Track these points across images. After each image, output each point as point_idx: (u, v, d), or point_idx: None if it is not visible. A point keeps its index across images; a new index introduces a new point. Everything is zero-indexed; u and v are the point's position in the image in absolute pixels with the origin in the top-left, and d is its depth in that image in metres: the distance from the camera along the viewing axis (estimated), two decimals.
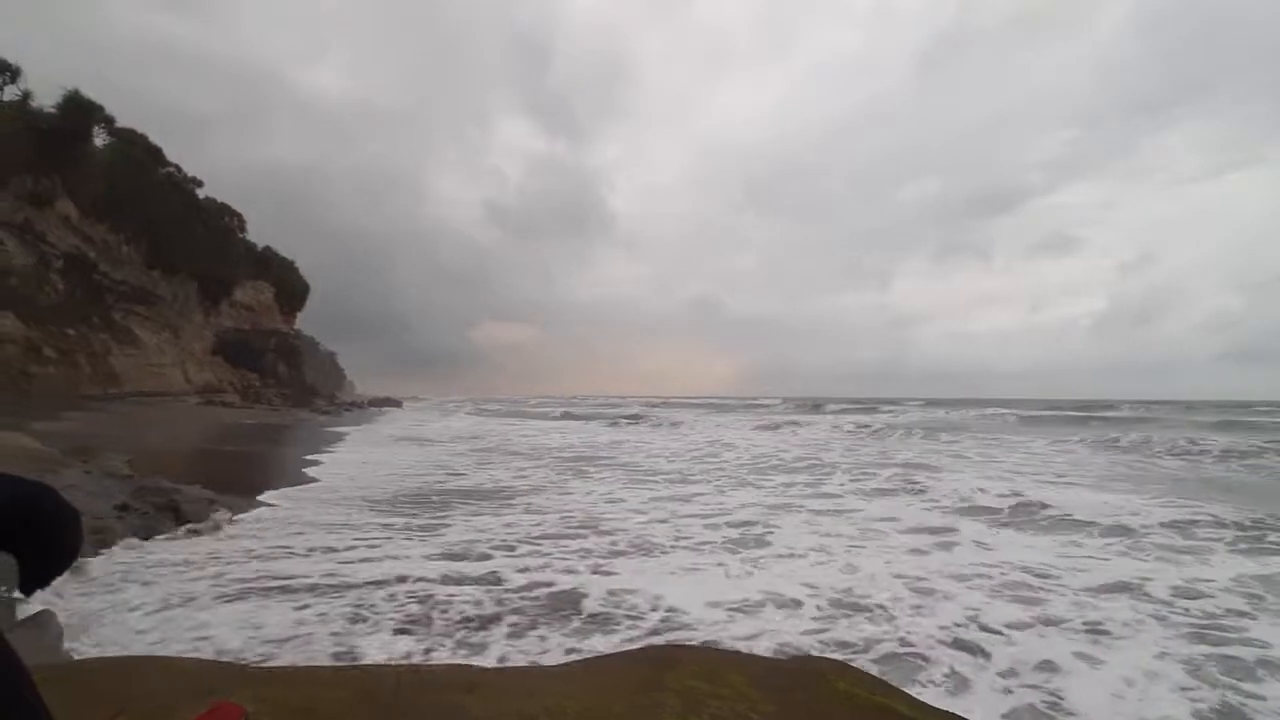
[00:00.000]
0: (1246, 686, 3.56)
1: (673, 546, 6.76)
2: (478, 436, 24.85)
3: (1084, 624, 4.47)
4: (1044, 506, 8.49)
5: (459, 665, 3.21)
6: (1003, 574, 5.69)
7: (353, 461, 14.94)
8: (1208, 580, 5.45)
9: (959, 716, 2.65)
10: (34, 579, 0.71)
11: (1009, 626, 4.40)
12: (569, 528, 7.62)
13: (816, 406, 51.32)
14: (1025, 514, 8.26)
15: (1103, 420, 28.81)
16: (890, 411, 40.73)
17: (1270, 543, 6.68)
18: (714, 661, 2.46)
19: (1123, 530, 7.25)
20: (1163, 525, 7.35)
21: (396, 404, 72.73)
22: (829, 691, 2.24)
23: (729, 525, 7.82)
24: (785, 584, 5.32)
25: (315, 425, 30.40)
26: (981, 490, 9.86)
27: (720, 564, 6.07)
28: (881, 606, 4.79)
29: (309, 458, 14.93)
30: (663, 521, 8.10)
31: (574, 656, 3.57)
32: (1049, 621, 4.53)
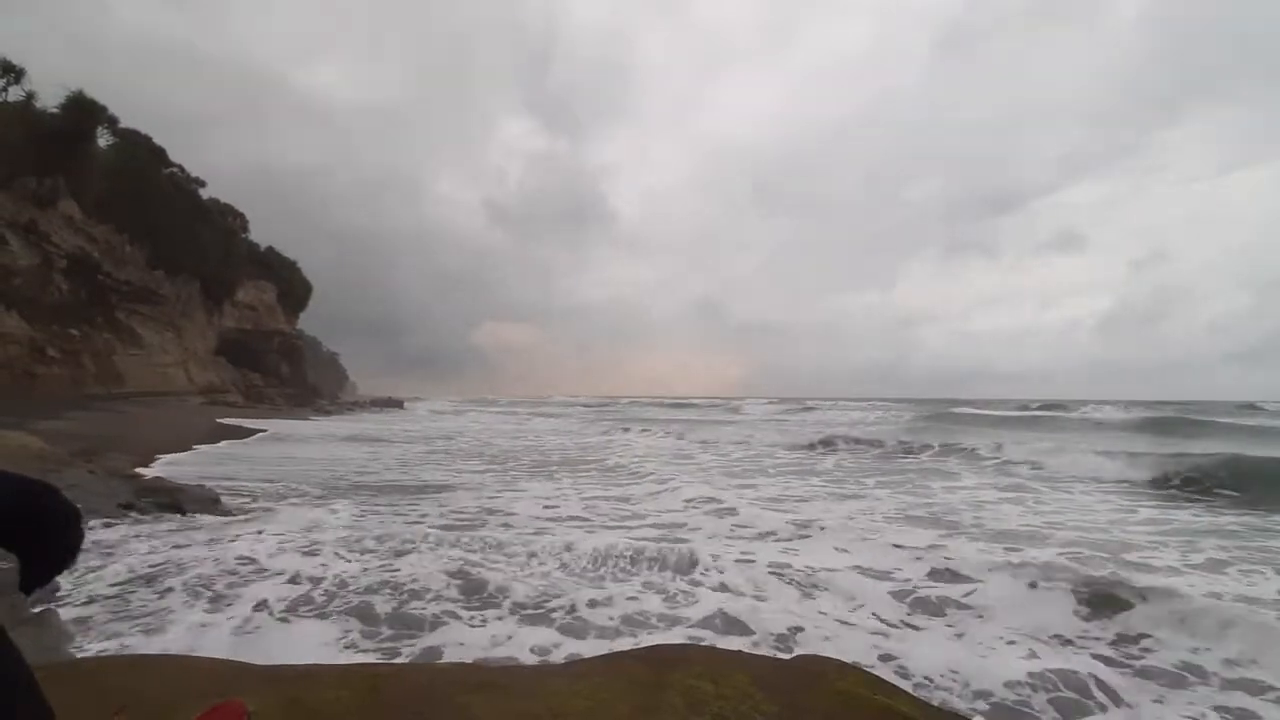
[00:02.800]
0: None
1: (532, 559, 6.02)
2: (450, 436, 23.70)
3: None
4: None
5: (465, 664, 3.22)
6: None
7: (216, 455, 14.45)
8: None
9: (961, 716, 2.65)
10: (35, 577, 0.71)
11: None
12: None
13: (734, 406, 50.03)
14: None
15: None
16: (809, 408, 40.51)
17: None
18: (718, 661, 2.46)
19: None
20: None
21: (398, 404, 72.64)
22: (832, 692, 2.24)
23: (653, 526, 7.32)
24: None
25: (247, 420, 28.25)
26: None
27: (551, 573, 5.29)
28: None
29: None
30: (567, 520, 7.65)
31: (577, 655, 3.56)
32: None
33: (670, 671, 2.27)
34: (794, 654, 3.55)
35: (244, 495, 8.79)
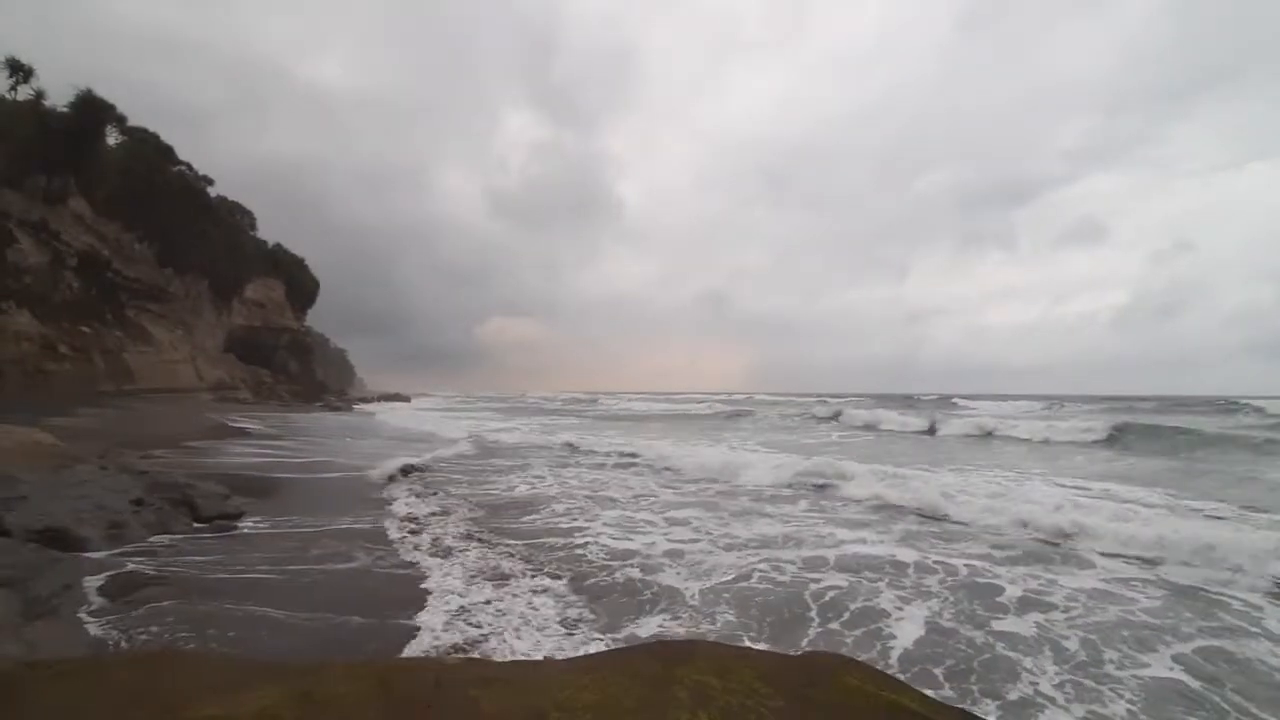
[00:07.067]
0: None
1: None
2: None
3: None
4: None
5: (473, 659, 3.24)
6: None
7: None
8: None
9: (970, 714, 2.64)
10: None
11: None
12: None
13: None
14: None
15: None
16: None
17: None
18: (724, 656, 2.46)
19: None
20: None
21: (405, 399, 73.26)
22: (838, 687, 2.24)
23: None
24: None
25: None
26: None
27: None
28: None
29: None
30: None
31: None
32: None
33: (677, 666, 2.27)
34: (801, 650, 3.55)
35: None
